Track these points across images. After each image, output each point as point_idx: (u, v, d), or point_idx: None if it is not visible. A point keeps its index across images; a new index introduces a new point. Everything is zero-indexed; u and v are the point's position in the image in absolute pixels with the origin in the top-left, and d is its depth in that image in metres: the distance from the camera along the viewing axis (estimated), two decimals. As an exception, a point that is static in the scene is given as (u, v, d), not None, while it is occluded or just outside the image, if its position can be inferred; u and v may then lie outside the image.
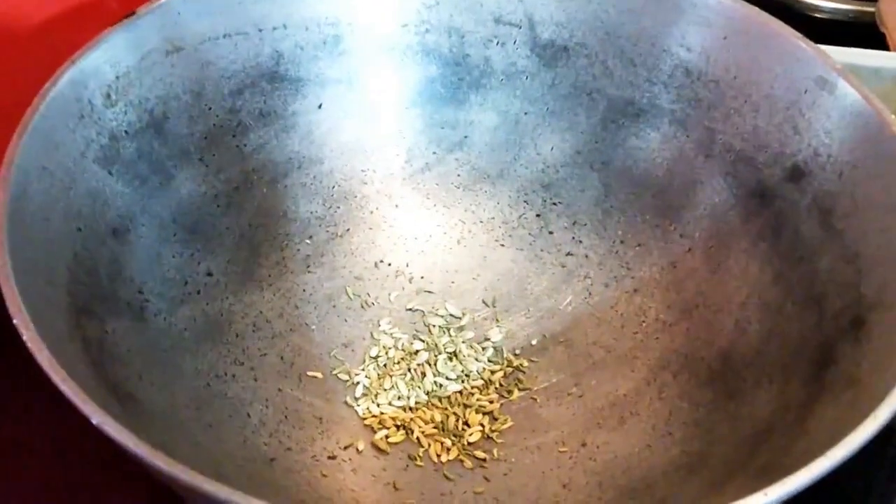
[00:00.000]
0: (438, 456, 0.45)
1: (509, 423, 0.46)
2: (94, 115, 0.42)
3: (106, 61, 0.43)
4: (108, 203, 0.42)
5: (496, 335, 0.50)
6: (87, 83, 0.42)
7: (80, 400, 0.31)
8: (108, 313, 0.40)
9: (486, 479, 0.44)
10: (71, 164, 0.40)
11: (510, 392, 0.47)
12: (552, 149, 0.52)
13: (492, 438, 0.46)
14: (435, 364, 0.48)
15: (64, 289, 0.38)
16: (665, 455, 0.43)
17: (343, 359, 0.48)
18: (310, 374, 0.47)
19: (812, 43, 0.44)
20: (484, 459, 0.45)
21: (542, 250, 0.52)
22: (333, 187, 0.52)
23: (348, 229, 0.52)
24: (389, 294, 0.51)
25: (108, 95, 0.43)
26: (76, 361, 0.35)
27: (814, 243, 0.43)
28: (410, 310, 0.51)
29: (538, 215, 0.52)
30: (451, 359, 0.48)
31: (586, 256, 0.51)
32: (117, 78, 0.43)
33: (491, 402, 0.47)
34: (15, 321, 0.32)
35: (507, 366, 0.48)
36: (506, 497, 0.43)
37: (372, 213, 0.52)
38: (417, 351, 0.49)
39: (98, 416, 0.31)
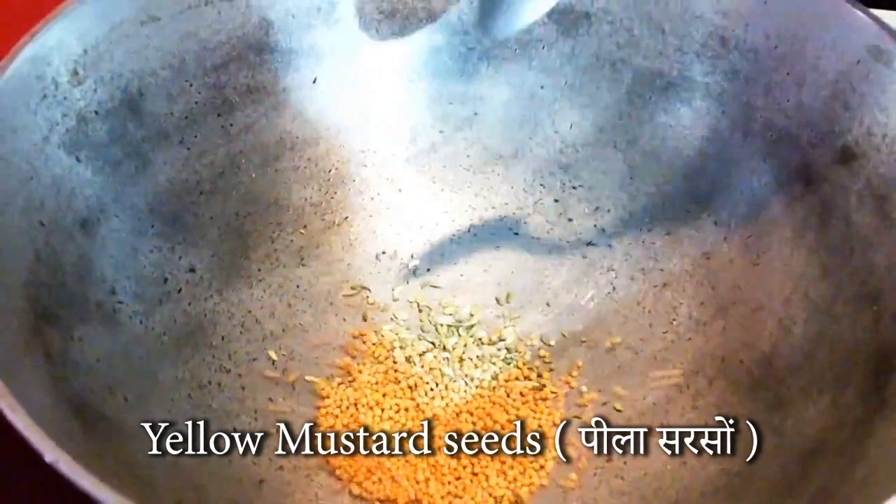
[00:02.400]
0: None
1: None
2: (58, 94, 0.41)
3: (72, 33, 0.41)
4: (76, 193, 0.41)
5: (510, 335, 0.48)
6: (50, 59, 0.40)
7: (31, 433, 0.29)
8: (75, 318, 0.38)
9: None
10: (32, 150, 0.39)
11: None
12: (571, 126, 0.50)
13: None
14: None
15: (22, 292, 0.36)
16: (702, 474, 0.41)
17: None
18: (306, 379, 0.45)
19: (865, 7, 0.43)
20: (497, 477, 0.43)
21: (560, 239, 0.50)
22: (330, 171, 0.50)
23: (346, 217, 0.50)
24: (392, 289, 0.49)
25: (75, 72, 0.41)
26: (32, 380, 0.34)
27: (867, 234, 0.41)
28: (415, 305, 0.49)
29: (556, 200, 0.51)
30: (460, 362, 0.46)
31: (609, 246, 0.49)
32: (85, 52, 0.42)
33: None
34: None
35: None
36: (522, 520, 0.41)
37: (372, 199, 0.51)
38: (423, 353, 0.46)
39: (52, 454, 0.29)
